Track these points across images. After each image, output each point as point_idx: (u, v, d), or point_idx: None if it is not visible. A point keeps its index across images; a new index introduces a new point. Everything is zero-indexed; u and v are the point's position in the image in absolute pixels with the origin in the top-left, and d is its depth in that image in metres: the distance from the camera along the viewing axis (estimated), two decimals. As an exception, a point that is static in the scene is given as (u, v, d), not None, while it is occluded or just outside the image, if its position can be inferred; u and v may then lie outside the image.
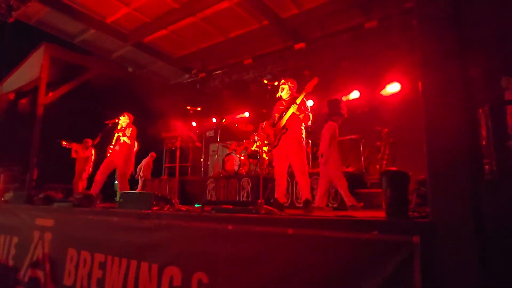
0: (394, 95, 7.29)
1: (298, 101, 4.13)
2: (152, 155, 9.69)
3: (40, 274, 3.91)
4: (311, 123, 4.36)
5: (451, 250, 1.75)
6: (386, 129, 6.55)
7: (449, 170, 1.88)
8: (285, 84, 4.42)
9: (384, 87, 7.45)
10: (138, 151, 6.61)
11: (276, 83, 4.66)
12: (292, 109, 4.13)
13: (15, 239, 4.55)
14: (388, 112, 7.28)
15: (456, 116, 1.93)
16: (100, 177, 5.99)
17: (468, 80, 2.11)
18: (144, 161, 9.55)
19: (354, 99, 7.74)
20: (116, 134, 6.09)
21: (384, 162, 6.10)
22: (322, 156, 5.23)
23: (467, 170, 1.83)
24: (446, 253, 1.76)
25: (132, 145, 6.11)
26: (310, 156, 6.72)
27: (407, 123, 6.16)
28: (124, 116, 6.19)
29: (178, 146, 6.18)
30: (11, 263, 4.38)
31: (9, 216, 4.81)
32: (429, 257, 1.77)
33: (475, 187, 1.79)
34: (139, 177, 9.28)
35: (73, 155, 8.08)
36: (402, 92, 7.20)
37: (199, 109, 6.97)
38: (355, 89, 7.82)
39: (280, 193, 4.24)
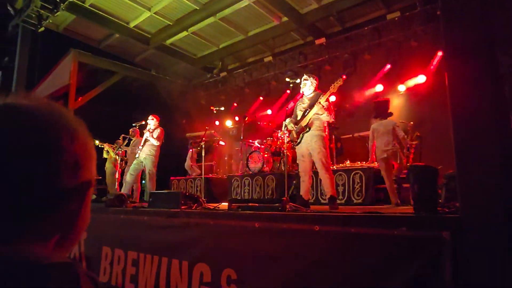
0: (419, 87, 7.07)
1: (322, 100, 4.11)
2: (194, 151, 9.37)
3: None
4: (334, 119, 4.34)
5: (482, 246, 1.72)
6: (411, 123, 6.39)
7: (479, 164, 1.84)
8: (307, 80, 4.42)
9: (408, 79, 7.25)
10: (167, 151, 6.74)
11: (298, 81, 4.66)
12: (315, 108, 4.12)
13: (53, 238, 4.80)
14: (413, 105, 7.10)
15: (485, 109, 1.88)
16: (130, 178, 6.21)
17: (499, 72, 2.05)
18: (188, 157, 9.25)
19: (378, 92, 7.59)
20: (145, 135, 6.28)
21: (411, 157, 5.96)
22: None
23: (498, 163, 1.78)
24: (477, 249, 1.73)
25: (160, 146, 6.28)
26: (334, 152, 6.66)
27: (433, 116, 6.00)
28: (152, 118, 6.37)
29: (202, 145, 6.28)
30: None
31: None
32: (459, 253, 1.74)
33: (506, 181, 1.75)
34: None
35: (105, 155, 8.39)
36: (427, 84, 6.98)
37: (222, 108, 7.06)
38: (379, 83, 7.66)
39: (304, 190, 4.25)
